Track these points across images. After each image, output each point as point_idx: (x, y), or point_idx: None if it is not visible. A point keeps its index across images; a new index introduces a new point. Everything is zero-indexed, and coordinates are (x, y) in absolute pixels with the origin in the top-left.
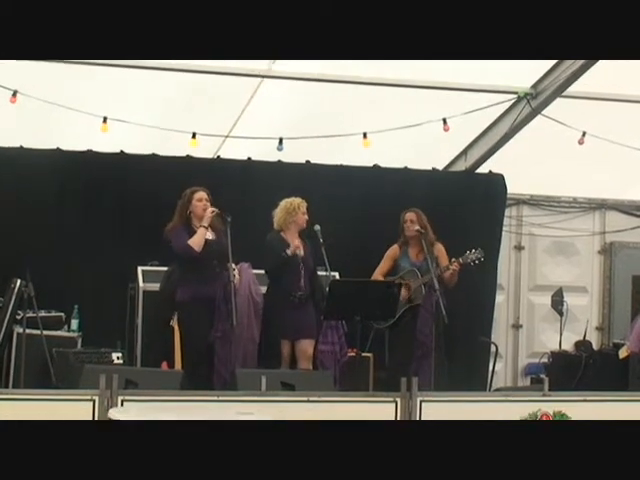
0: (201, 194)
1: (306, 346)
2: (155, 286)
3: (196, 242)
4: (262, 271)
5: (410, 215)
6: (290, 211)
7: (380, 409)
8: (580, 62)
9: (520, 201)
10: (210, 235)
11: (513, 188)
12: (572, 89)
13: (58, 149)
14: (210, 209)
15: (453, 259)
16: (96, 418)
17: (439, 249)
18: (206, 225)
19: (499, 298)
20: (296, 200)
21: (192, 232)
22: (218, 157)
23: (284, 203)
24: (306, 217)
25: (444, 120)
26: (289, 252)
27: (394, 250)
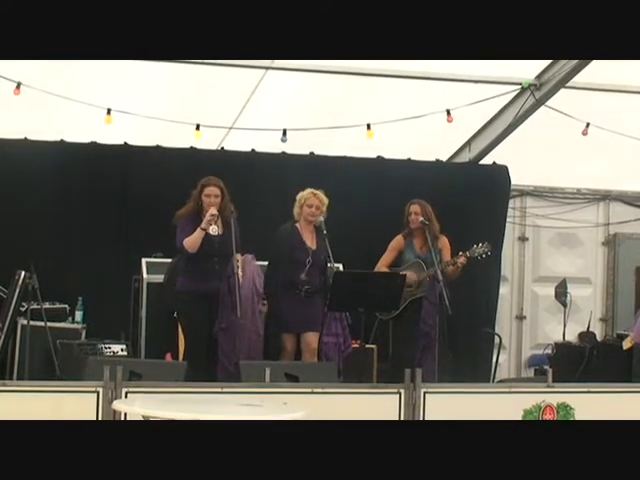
0: (210, 189)
1: (311, 339)
2: (159, 278)
3: (190, 244)
4: (266, 263)
5: (414, 207)
6: (297, 202)
7: (384, 400)
8: None
9: (524, 192)
10: (216, 230)
11: (517, 179)
12: (576, 80)
13: (62, 141)
14: (210, 211)
15: (460, 252)
16: (100, 410)
17: (443, 242)
18: (204, 227)
19: (503, 289)
20: (304, 192)
21: (201, 222)
22: (222, 149)
23: (298, 194)
24: (312, 210)
25: (448, 111)
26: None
27: (398, 241)
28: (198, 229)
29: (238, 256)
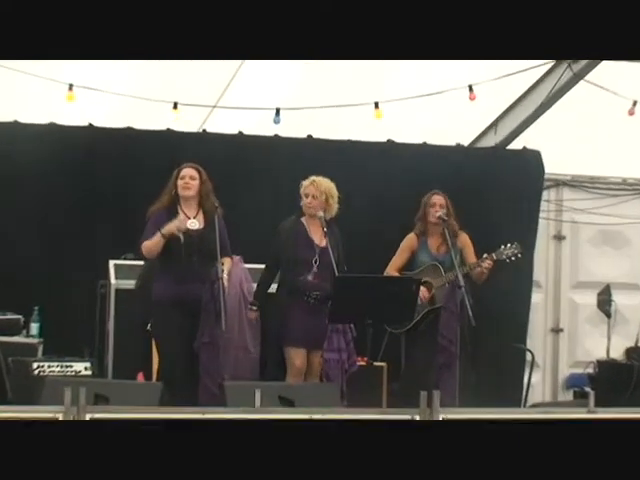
0: (185, 171)
1: (316, 359)
2: (130, 283)
3: (147, 249)
4: (255, 266)
5: (439, 199)
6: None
7: None
8: None
9: (560, 182)
10: (196, 225)
11: (552, 167)
12: None
13: (16, 122)
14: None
15: (485, 254)
16: None
17: (464, 240)
18: (165, 234)
19: (536, 297)
20: (305, 181)
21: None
22: (204, 131)
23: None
24: (308, 200)
25: (470, 87)
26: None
27: (411, 240)
28: (158, 233)
29: (224, 259)
